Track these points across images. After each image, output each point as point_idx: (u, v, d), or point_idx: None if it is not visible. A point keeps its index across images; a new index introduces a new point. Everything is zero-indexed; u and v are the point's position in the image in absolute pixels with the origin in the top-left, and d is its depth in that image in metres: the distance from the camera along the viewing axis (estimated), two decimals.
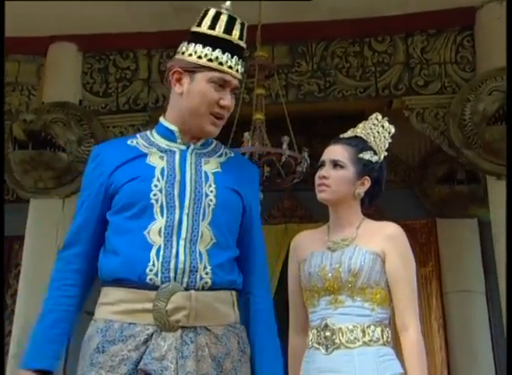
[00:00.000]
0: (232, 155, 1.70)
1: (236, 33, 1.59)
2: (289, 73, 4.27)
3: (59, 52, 4.47)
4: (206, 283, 1.50)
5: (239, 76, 1.60)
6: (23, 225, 4.27)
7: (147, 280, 1.47)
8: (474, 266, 5.06)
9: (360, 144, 1.86)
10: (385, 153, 1.88)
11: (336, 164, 1.82)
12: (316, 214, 5.71)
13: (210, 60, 1.57)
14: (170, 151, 1.61)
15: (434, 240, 5.32)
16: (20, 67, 4.59)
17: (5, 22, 3.12)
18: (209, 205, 1.55)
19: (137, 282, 1.48)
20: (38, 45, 4.45)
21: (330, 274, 1.76)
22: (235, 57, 1.59)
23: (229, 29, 1.58)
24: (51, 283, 1.58)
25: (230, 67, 1.57)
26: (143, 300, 1.47)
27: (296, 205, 5.60)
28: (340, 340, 1.72)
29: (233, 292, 1.58)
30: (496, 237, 3.80)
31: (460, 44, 4.14)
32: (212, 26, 1.59)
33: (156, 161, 1.58)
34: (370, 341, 1.71)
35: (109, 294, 1.53)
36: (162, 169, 1.56)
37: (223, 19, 1.59)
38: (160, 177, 1.55)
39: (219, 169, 1.61)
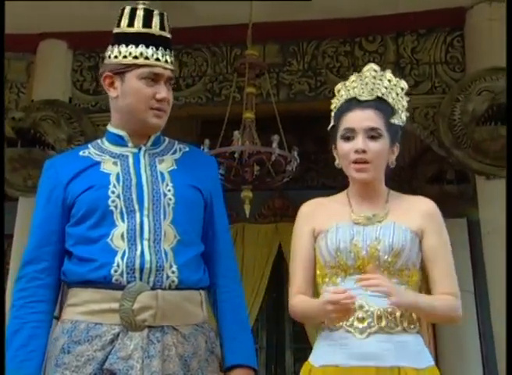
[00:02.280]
0: (187, 149, 1.69)
1: (155, 24, 1.59)
2: (280, 72, 4.27)
3: (49, 50, 4.44)
4: (173, 281, 1.49)
5: (169, 66, 1.60)
6: (12, 223, 4.24)
7: (113, 281, 1.47)
8: (463, 265, 5.08)
9: (388, 107, 1.62)
10: (407, 113, 1.66)
11: (373, 134, 1.57)
12: None
13: (135, 57, 1.57)
14: (123, 156, 1.60)
15: None
16: (10, 65, 4.55)
17: (4, 22, 3.09)
18: (169, 204, 1.54)
19: (103, 283, 1.47)
20: (28, 43, 4.42)
21: (364, 252, 1.56)
22: (160, 48, 1.58)
23: (147, 22, 1.59)
24: (14, 303, 1.53)
25: (157, 59, 1.57)
26: (109, 300, 1.47)
27: (287, 204, 5.60)
28: (379, 323, 1.53)
29: (201, 291, 1.58)
30: (484, 237, 3.83)
31: (450, 45, 4.15)
32: (131, 24, 1.60)
33: (110, 167, 1.58)
34: (408, 327, 1.55)
35: (76, 295, 1.51)
36: (117, 175, 1.56)
37: (140, 14, 1.60)
38: (116, 183, 1.54)
39: (174, 167, 1.61)
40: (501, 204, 2.94)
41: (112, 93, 1.61)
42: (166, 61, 1.59)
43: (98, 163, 1.59)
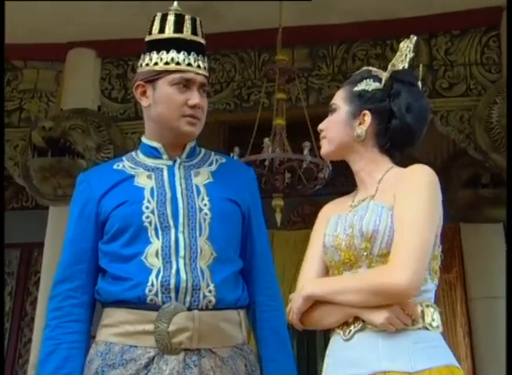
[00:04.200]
0: (224, 160, 1.62)
1: (187, 29, 1.53)
2: (309, 77, 4.20)
3: (78, 58, 4.45)
4: (210, 301, 1.42)
5: (202, 71, 1.53)
6: (43, 232, 4.26)
7: (148, 301, 1.40)
8: (500, 272, 4.94)
9: (358, 77, 1.48)
10: (387, 75, 1.44)
11: (330, 111, 1.49)
12: None
13: (166, 63, 1.51)
14: (157, 168, 1.54)
15: (458, 245, 5.21)
16: (39, 74, 4.58)
17: (4, 24, 3.09)
18: (205, 219, 1.47)
19: (138, 303, 1.41)
20: (56, 52, 4.44)
21: (344, 243, 1.37)
22: (192, 53, 1.52)
23: (178, 27, 1.53)
24: (48, 323, 1.48)
25: (189, 64, 1.51)
26: (144, 321, 1.40)
27: (316, 210, 5.48)
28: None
29: (240, 311, 1.50)
30: None
31: (486, 45, 4.04)
32: (162, 30, 1.54)
33: (144, 181, 1.51)
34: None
35: (111, 315, 1.45)
36: (152, 189, 1.49)
37: (170, 19, 1.54)
38: (150, 198, 1.48)
39: (211, 180, 1.54)
40: None
41: (144, 102, 1.56)
42: (199, 66, 1.53)
43: (132, 177, 1.53)
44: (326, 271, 1.46)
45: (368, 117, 1.44)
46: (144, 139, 1.61)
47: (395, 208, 1.34)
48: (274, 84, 3.60)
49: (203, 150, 1.63)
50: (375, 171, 1.45)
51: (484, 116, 3.76)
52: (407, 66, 1.47)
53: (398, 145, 1.47)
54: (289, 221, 5.60)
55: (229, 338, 1.45)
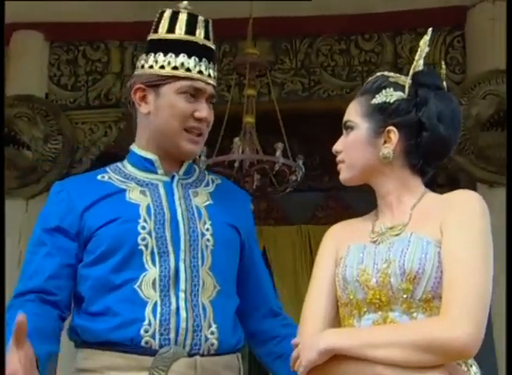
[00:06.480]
0: (220, 181, 1.48)
1: (200, 32, 1.38)
2: (271, 71, 4.09)
3: (23, 41, 4.19)
4: (212, 344, 1.25)
5: (212, 81, 1.37)
6: None
7: (143, 344, 1.21)
8: None
9: (374, 86, 1.28)
10: (409, 81, 1.25)
11: (346, 128, 1.28)
12: (292, 216, 5.55)
13: (175, 68, 1.35)
14: (152, 184, 1.36)
15: None
16: None
17: (4, 21, 2.86)
18: (207, 246, 1.31)
19: (130, 345, 1.21)
20: None
21: (374, 279, 1.17)
22: (204, 60, 1.37)
23: (191, 29, 1.37)
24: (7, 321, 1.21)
25: (200, 72, 1.36)
26: (136, 368, 1.21)
27: (272, 207, 5.43)
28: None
29: (239, 355, 1.34)
30: None
31: (450, 45, 4.01)
32: (171, 29, 1.38)
33: (138, 197, 1.33)
34: None
35: (91, 358, 1.25)
36: (148, 207, 1.31)
37: (182, 18, 1.38)
38: (147, 217, 1.30)
39: (210, 201, 1.39)
40: (500, 214, 2.79)
41: (143, 108, 1.38)
42: (209, 75, 1.37)
43: (123, 191, 1.34)
44: (336, 308, 1.25)
45: (393, 134, 1.24)
46: (135, 148, 1.42)
47: (443, 243, 1.15)
48: (236, 78, 3.46)
49: (196, 168, 1.48)
50: (405, 196, 1.25)
51: None
52: (422, 62, 1.30)
53: (432, 161, 1.28)
54: None
55: None
